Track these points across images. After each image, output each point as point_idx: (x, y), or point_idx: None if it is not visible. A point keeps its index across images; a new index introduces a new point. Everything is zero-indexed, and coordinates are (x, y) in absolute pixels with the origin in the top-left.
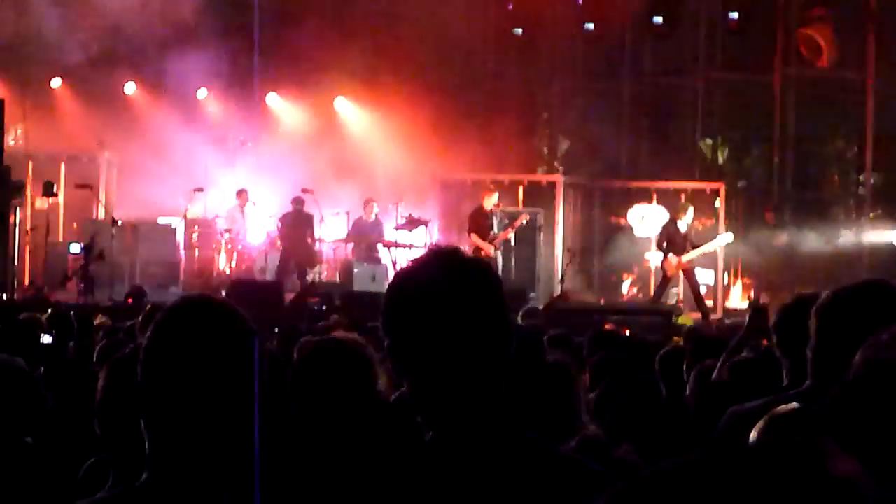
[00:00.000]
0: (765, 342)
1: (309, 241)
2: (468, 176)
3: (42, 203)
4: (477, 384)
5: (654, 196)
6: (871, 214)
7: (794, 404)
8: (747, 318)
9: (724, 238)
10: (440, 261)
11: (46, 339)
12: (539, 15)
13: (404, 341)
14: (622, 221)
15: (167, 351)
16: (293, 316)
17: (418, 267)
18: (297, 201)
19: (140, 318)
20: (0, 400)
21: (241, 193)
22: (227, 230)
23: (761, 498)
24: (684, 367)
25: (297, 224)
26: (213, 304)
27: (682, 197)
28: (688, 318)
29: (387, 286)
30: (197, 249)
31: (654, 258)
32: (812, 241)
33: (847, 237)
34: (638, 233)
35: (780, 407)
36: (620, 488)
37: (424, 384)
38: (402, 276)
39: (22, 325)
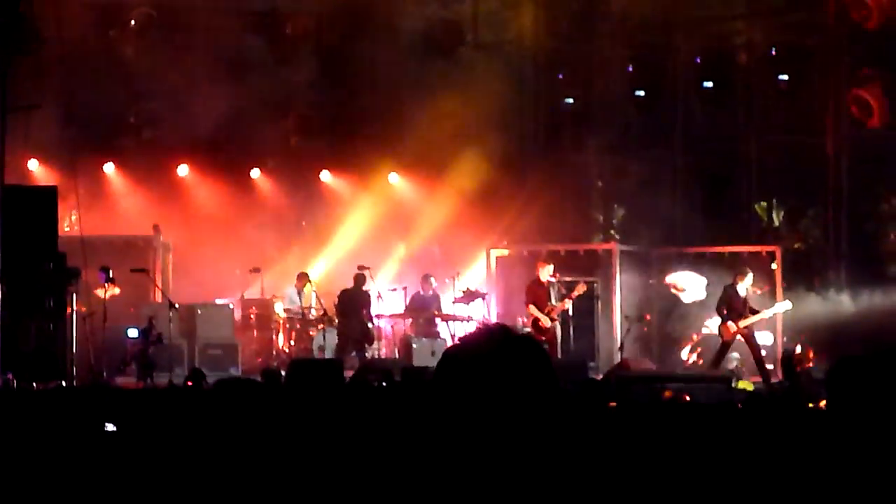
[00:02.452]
0: None
1: (364, 318)
2: (524, 247)
3: (99, 288)
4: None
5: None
6: None
7: None
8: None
9: (783, 305)
10: (488, 338)
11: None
12: (590, 83)
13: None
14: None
15: None
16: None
17: (467, 344)
18: (359, 279)
19: None
20: None
21: (301, 276)
22: (286, 310)
23: None
24: None
25: (353, 302)
26: None
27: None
28: (748, 384)
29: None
30: (255, 330)
31: (712, 324)
32: (869, 300)
33: None
34: (685, 299)
35: None
36: None
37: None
38: (452, 353)
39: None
